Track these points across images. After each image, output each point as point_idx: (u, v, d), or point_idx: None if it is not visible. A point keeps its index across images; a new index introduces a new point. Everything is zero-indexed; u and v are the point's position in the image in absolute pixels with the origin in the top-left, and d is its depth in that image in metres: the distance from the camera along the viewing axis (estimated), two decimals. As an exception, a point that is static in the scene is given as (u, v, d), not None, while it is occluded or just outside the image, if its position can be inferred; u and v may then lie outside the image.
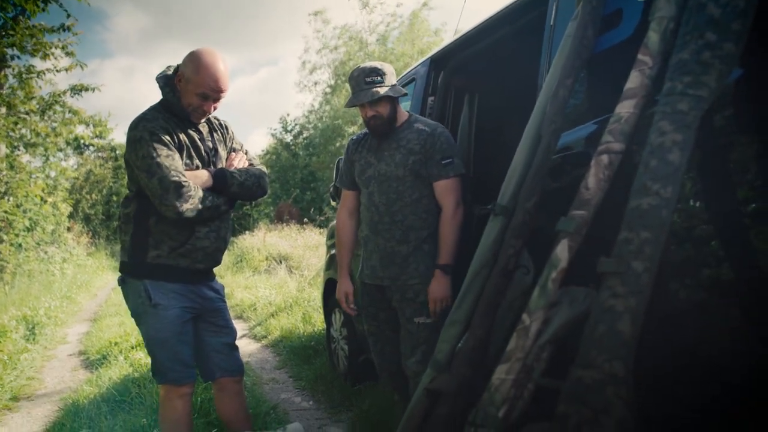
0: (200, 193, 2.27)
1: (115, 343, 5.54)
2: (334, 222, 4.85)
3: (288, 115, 25.66)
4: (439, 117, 3.21)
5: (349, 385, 4.31)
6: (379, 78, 2.44)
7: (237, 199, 2.48)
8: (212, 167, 2.42)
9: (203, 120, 2.39)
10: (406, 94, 2.60)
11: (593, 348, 1.17)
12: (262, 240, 11.81)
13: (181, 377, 2.39)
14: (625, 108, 1.41)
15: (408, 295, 2.46)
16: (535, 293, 1.36)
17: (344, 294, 2.77)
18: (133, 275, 2.35)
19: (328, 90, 19.07)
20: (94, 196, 19.66)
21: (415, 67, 3.56)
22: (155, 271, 2.33)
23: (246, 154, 2.62)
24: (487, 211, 1.86)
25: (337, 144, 17.34)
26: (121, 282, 2.43)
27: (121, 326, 6.40)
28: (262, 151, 22.24)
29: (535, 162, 1.68)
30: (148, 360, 4.83)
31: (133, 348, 5.28)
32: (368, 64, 2.51)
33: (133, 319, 2.47)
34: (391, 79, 2.48)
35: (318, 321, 6.08)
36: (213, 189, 2.35)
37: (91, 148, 17.47)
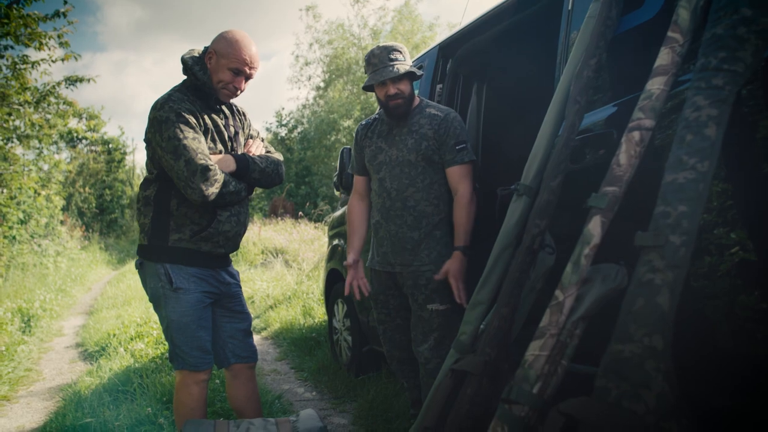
0: (225, 178, 2.25)
1: (114, 335, 5.51)
2: (337, 213, 4.86)
3: (283, 109, 25.61)
4: (447, 105, 3.20)
5: (352, 375, 4.30)
6: (401, 56, 2.44)
7: (257, 185, 2.47)
8: (234, 152, 2.40)
9: (231, 98, 2.38)
10: (422, 75, 2.59)
11: (632, 322, 1.16)
12: (257, 234, 11.77)
13: (200, 363, 2.37)
14: (655, 85, 1.40)
15: (420, 282, 2.45)
16: (567, 269, 1.36)
17: (352, 275, 2.71)
18: (152, 258, 2.32)
19: (321, 84, 19.05)
20: (87, 189, 19.53)
21: (422, 55, 3.54)
22: (176, 254, 2.30)
23: (263, 141, 2.61)
24: (510, 192, 1.85)
25: (332, 138, 17.33)
26: (139, 266, 2.40)
27: (119, 318, 6.36)
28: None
29: (560, 141, 1.67)
30: (149, 351, 4.84)
31: (132, 339, 5.25)
32: (388, 43, 2.51)
33: (151, 304, 2.45)
34: (409, 59, 2.48)
35: (318, 313, 6.07)
36: (235, 174, 2.34)
37: (84, 141, 17.37)
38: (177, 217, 2.32)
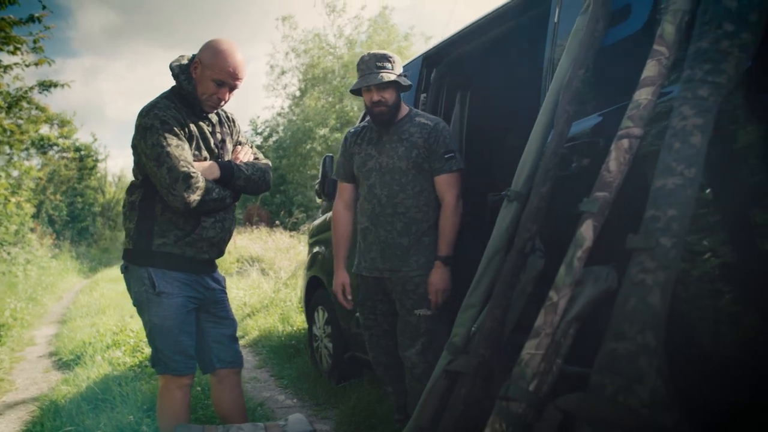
0: (208, 185, 2.27)
1: (89, 343, 5.42)
2: (318, 221, 4.87)
3: (258, 117, 25.52)
4: (431, 114, 3.25)
5: (333, 382, 4.30)
6: (389, 65, 2.49)
7: (243, 192, 2.48)
8: (220, 159, 2.42)
9: (215, 110, 2.39)
10: (410, 86, 2.63)
11: (625, 320, 1.21)
12: (232, 242, 11.70)
13: (182, 368, 2.37)
14: (643, 95, 1.47)
15: (408, 287, 2.48)
16: (561, 271, 1.41)
17: (341, 285, 2.74)
18: (137, 263, 2.33)
19: (297, 93, 19.06)
20: (58, 197, 19.19)
21: (407, 64, 3.60)
22: (160, 259, 2.31)
23: (252, 147, 2.63)
24: (500, 198, 1.91)
25: (308, 146, 17.31)
26: (124, 270, 2.40)
27: (93, 327, 6.26)
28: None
29: (549, 149, 1.73)
30: (127, 359, 4.78)
31: (108, 348, 5.18)
32: (379, 51, 2.57)
33: (135, 308, 2.44)
34: (399, 69, 2.53)
35: (297, 321, 6.06)
36: (220, 181, 2.35)
37: (55, 147, 17.08)
38: (161, 222, 2.32)
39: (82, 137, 22.25)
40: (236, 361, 2.59)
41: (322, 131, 16.87)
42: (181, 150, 2.22)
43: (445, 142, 2.52)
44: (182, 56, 2.44)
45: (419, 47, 19.00)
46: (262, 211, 16.16)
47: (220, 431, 2.29)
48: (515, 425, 1.33)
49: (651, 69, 1.48)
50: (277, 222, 13.56)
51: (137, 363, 4.65)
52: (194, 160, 2.29)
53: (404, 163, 2.50)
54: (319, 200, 4.82)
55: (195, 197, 2.21)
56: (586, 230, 1.39)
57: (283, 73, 19.55)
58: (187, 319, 2.38)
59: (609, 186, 1.41)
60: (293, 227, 13.11)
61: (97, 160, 21.77)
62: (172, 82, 2.39)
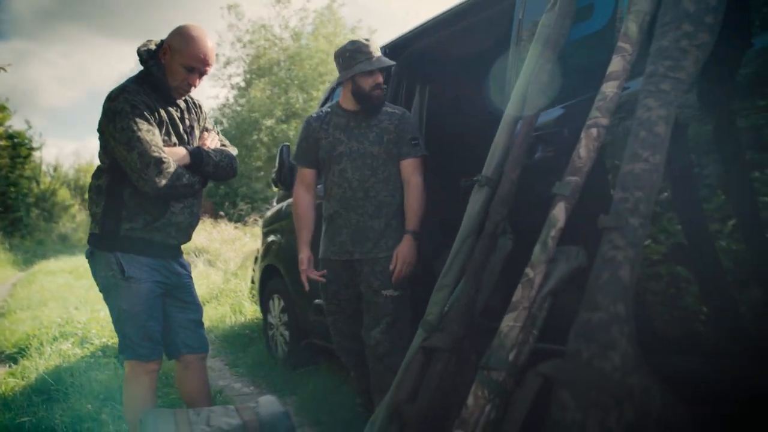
0: (178, 171, 2.27)
1: (34, 336, 5.25)
2: (271, 210, 4.88)
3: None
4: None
5: (290, 369, 4.35)
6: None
7: (211, 178, 2.50)
8: (189, 145, 2.42)
9: (184, 96, 2.39)
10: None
11: (598, 293, 1.33)
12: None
13: (150, 353, 2.37)
14: (609, 88, 1.59)
15: (377, 268, 2.56)
16: (536, 250, 1.52)
17: (307, 260, 2.74)
18: (103, 248, 2.32)
19: (242, 84, 18.80)
20: (-12, 187, 18.30)
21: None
22: (128, 244, 2.31)
23: (218, 134, 2.64)
24: (472, 183, 2.01)
25: (254, 137, 17.11)
26: (90, 255, 2.38)
27: (36, 320, 6.06)
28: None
29: (519, 137, 1.84)
30: (77, 350, 4.68)
31: (55, 339, 5.04)
32: (367, 38, 2.66)
33: (101, 294, 2.42)
34: None
35: (249, 310, 6.06)
36: (190, 167, 2.36)
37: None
38: (130, 207, 2.32)
39: (16, 124, 21.25)
40: (202, 346, 2.61)
41: (269, 122, 16.73)
42: (151, 135, 2.22)
43: (411, 129, 2.64)
44: (149, 41, 2.43)
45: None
46: (206, 203, 15.89)
47: (191, 415, 2.30)
48: (496, 392, 1.44)
49: (616, 64, 1.60)
50: (222, 213, 13.39)
51: (88, 354, 4.56)
52: (164, 146, 2.30)
53: (376, 149, 2.58)
54: (275, 189, 4.82)
55: (166, 182, 2.21)
56: (559, 212, 1.50)
57: (228, 63, 19.24)
58: (155, 304, 2.38)
59: (579, 171, 1.53)
60: (238, 219, 12.97)
61: (32, 149, 20.82)
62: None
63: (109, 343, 4.82)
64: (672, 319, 1.51)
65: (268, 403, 2.39)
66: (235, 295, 6.54)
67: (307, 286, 2.77)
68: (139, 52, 2.37)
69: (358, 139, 2.61)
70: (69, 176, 33.19)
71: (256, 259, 7.47)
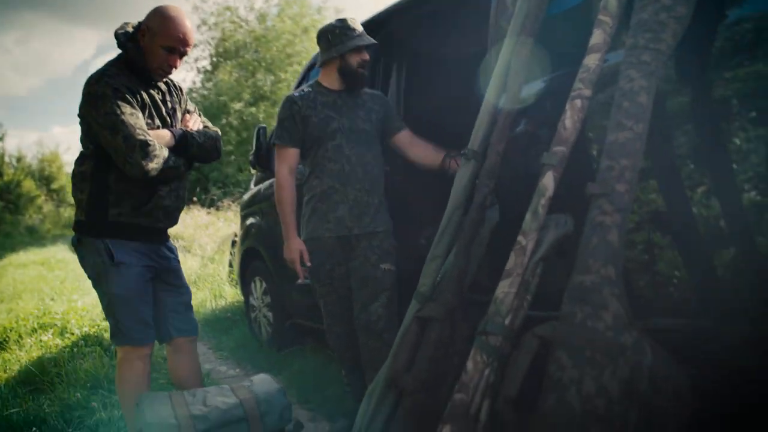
0: (165, 153, 2.27)
1: (11, 329, 5.19)
2: (249, 192, 4.87)
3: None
4: (369, 85, 3.34)
5: (274, 350, 4.38)
6: None
7: (195, 160, 2.50)
8: (173, 128, 2.42)
9: (165, 78, 2.38)
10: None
11: (589, 257, 1.39)
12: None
13: (143, 337, 2.38)
14: (591, 60, 1.64)
15: (374, 243, 2.58)
16: (527, 218, 1.57)
17: (298, 252, 2.65)
18: (91, 234, 2.31)
19: (209, 67, 18.52)
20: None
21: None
22: (116, 229, 2.30)
23: (200, 116, 2.63)
24: (458, 156, 2.06)
25: (223, 121, 16.89)
26: (76, 242, 2.37)
27: (11, 312, 5.98)
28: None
29: (504, 110, 1.89)
30: (58, 341, 4.64)
31: (35, 331, 4.99)
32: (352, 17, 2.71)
33: (90, 282, 2.42)
34: None
35: (229, 294, 6.06)
36: (174, 149, 2.35)
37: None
38: (116, 192, 2.31)
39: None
40: (193, 329, 2.63)
41: (237, 106, 16.52)
42: (135, 118, 2.21)
43: (393, 108, 2.77)
44: (126, 23, 2.41)
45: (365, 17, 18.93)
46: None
47: (186, 396, 2.33)
48: (494, 356, 1.50)
49: (598, 37, 1.65)
50: (194, 199, 13.26)
51: (70, 344, 4.53)
52: (148, 129, 2.29)
53: (368, 125, 2.63)
54: (253, 171, 4.81)
55: (153, 165, 2.21)
56: (548, 181, 1.56)
57: (194, 45, 18.91)
58: (146, 288, 2.39)
59: (566, 141, 1.58)
60: (211, 204, 12.85)
61: (-9, 139, 20.33)
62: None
63: (91, 333, 4.80)
64: (647, 285, 1.58)
65: (263, 381, 2.42)
66: (213, 280, 6.54)
67: (302, 276, 2.68)
68: (117, 35, 2.35)
69: (348, 116, 2.63)
70: (33, 167, 32.41)
71: (233, 243, 7.46)
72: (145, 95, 2.32)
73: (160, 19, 2.28)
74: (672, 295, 1.54)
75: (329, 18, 18.79)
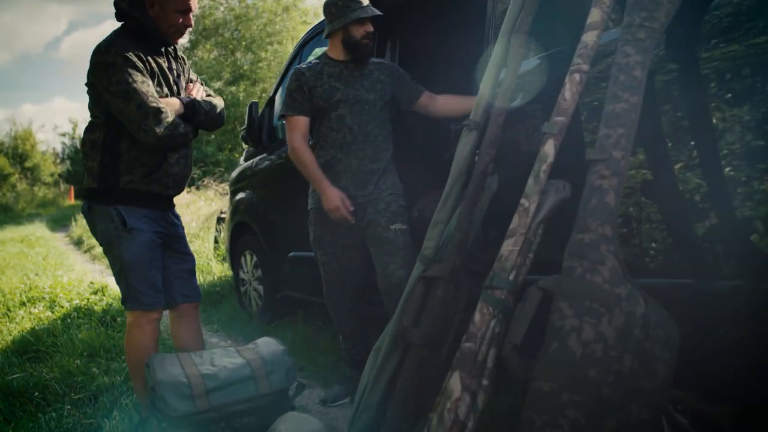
0: (176, 120, 2.34)
1: (-1, 303, 5.22)
2: (238, 168, 4.93)
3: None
4: None
5: (265, 323, 4.48)
6: None
7: (202, 128, 2.57)
8: (179, 96, 2.48)
9: (180, 38, 2.45)
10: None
11: (588, 216, 1.52)
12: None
13: (153, 302, 2.46)
14: (589, 37, 1.76)
15: (381, 206, 2.67)
16: (530, 182, 1.69)
17: (339, 199, 2.60)
18: (102, 201, 2.37)
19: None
20: None
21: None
22: (128, 196, 2.37)
23: (202, 84, 2.70)
24: (461, 127, 2.17)
25: (202, 100, 16.74)
26: (87, 209, 2.43)
27: (-7, 288, 5.99)
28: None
29: (505, 84, 2.00)
30: (49, 313, 4.68)
31: (23, 304, 5.02)
32: None
33: (102, 248, 2.48)
34: None
35: (216, 270, 6.13)
36: (182, 117, 2.42)
37: None
38: (127, 160, 2.38)
39: None
40: (196, 296, 2.72)
41: (217, 85, 16.40)
42: (147, 86, 2.28)
43: (403, 72, 2.84)
44: None
45: (313, 0, 18.79)
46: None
47: (194, 357, 2.42)
48: (499, 308, 1.62)
49: (595, 15, 1.77)
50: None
51: (61, 316, 4.57)
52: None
53: (373, 95, 2.70)
54: (245, 145, 4.86)
55: (166, 132, 2.28)
56: (549, 148, 1.68)
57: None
58: (156, 254, 2.47)
59: (565, 112, 1.70)
60: (191, 183, 12.81)
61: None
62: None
63: (82, 305, 4.84)
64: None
65: (268, 344, 2.52)
66: (199, 257, 6.59)
67: (352, 219, 2.64)
68: (120, 6, 2.38)
69: (353, 87, 2.70)
70: (6, 145, 31.78)
71: (219, 219, 7.50)
72: (153, 63, 2.38)
73: None
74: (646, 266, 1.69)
75: (309, -4, 18.69)
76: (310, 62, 2.84)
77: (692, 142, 1.62)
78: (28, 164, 31.77)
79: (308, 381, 3.30)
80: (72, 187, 29.32)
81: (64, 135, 37.32)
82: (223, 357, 2.42)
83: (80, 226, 12.56)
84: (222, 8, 17.92)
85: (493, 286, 1.64)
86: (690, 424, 1.78)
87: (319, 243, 2.84)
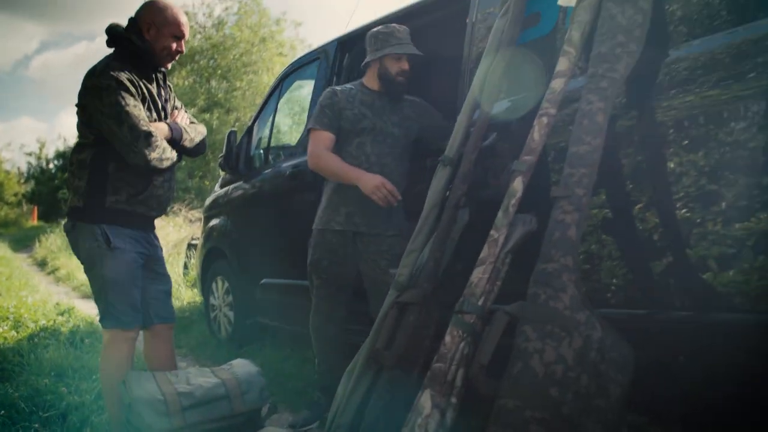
0: (165, 144, 2.43)
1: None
2: (214, 195, 4.99)
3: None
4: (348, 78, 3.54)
5: (235, 347, 4.50)
6: None
7: (186, 154, 2.66)
8: (167, 121, 2.58)
9: (172, 62, 2.55)
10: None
11: (552, 248, 1.66)
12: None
13: (131, 321, 2.50)
14: (557, 84, 1.92)
15: (383, 247, 2.69)
16: (499, 215, 1.83)
17: (381, 181, 2.56)
18: (87, 220, 2.43)
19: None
20: None
21: (320, 47, 3.88)
22: (113, 215, 2.43)
23: (187, 112, 2.80)
24: (436, 163, 2.30)
25: (175, 126, 16.75)
26: (70, 228, 2.48)
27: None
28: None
29: (478, 123, 2.15)
30: (14, 333, 4.63)
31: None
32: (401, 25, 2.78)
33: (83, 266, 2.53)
34: None
35: (185, 295, 6.12)
36: (169, 142, 2.51)
37: None
38: (114, 181, 2.44)
39: None
40: (171, 317, 2.77)
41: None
42: (138, 110, 2.37)
43: (433, 110, 2.90)
44: (116, 24, 2.55)
45: (290, 33, 19.08)
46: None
47: (170, 376, 2.46)
48: (469, 331, 1.74)
49: (563, 64, 1.94)
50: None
51: (26, 336, 4.53)
52: None
53: (398, 130, 2.75)
54: (222, 172, 4.94)
55: (155, 155, 2.37)
56: (517, 185, 1.83)
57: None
58: (137, 274, 2.52)
59: (534, 151, 1.85)
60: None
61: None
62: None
63: (48, 326, 4.80)
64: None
65: (242, 364, 2.59)
66: (168, 281, 6.56)
67: (394, 199, 2.59)
68: (116, 32, 2.48)
69: (381, 118, 2.73)
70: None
71: (189, 245, 7.51)
72: (144, 89, 2.48)
73: (161, 12, 2.46)
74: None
75: (287, 30, 18.98)
76: (344, 87, 2.88)
77: (650, 184, 1.79)
78: (-10, 184, 31.16)
79: (276, 406, 3.33)
80: (35, 208, 28.75)
81: (30, 155, 36.83)
82: (198, 376, 2.48)
83: (44, 247, 12.37)
84: (199, 36, 18.09)
85: (463, 310, 1.76)
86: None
87: (315, 266, 2.84)
